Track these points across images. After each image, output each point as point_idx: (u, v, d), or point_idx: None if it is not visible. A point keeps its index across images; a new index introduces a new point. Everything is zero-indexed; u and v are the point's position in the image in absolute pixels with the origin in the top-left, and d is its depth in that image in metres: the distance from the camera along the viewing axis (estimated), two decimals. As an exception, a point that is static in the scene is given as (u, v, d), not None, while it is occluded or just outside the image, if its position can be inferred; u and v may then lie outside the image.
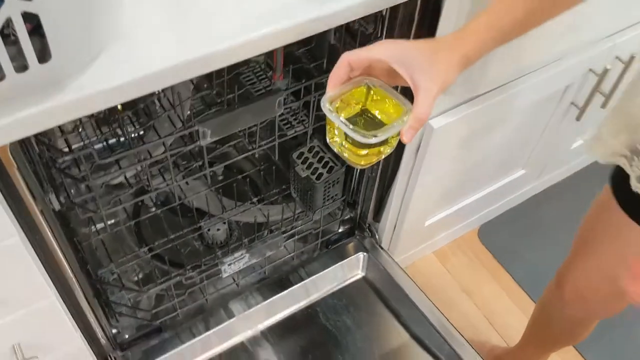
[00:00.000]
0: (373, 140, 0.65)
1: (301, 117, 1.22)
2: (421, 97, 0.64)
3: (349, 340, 1.27)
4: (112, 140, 1.23)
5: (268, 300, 1.31)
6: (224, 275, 1.17)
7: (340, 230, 1.44)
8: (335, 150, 0.71)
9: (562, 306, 1.11)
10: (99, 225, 1.24)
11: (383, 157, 0.71)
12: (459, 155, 1.32)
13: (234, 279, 1.30)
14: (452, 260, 1.69)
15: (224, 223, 1.37)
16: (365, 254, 1.39)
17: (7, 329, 0.88)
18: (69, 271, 0.93)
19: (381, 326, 1.31)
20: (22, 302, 0.85)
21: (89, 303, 1.04)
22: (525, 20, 0.68)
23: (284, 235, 1.24)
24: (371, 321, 1.31)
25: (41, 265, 0.84)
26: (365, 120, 0.70)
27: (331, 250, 1.41)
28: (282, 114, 1.20)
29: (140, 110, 1.06)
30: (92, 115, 1.07)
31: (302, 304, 1.34)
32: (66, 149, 0.90)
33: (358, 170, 1.32)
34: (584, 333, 1.17)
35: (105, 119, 1.06)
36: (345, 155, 0.70)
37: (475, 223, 1.73)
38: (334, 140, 0.70)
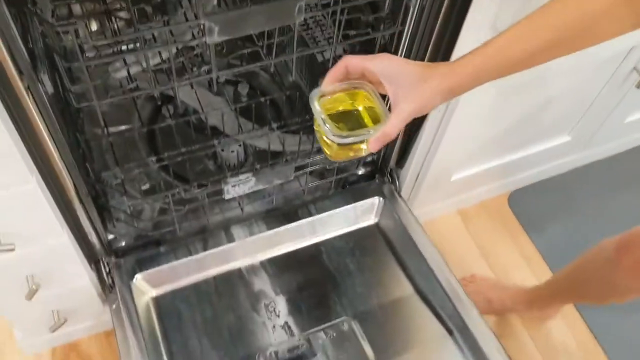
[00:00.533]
0: (336, 140, 0.70)
1: (328, 33, 1.12)
2: (394, 115, 0.68)
3: (348, 284, 1.22)
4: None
5: (272, 231, 1.25)
6: (227, 196, 1.11)
7: (359, 172, 1.37)
8: (317, 137, 0.75)
9: (614, 271, 1.03)
10: (111, 129, 1.19)
11: (353, 157, 0.76)
12: (493, 111, 1.21)
13: (239, 203, 1.25)
14: (475, 222, 1.60)
15: (240, 145, 1.30)
16: (381, 199, 1.31)
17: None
18: (58, 159, 0.88)
19: (385, 275, 1.24)
20: None
21: (81, 200, 1.00)
22: (540, 53, 0.68)
23: (297, 167, 1.17)
24: (376, 269, 1.25)
25: (21, 143, 0.79)
26: (352, 121, 0.72)
27: (347, 190, 1.34)
28: (308, 26, 1.11)
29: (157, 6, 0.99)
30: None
31: (307, 240, 1.28)
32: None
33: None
34: (624, 299, 1.09)
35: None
36: (322, 145, 0.75)
37: (506, 187, 1.62)
38: (316, 129, 0.74)
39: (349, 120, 0.72)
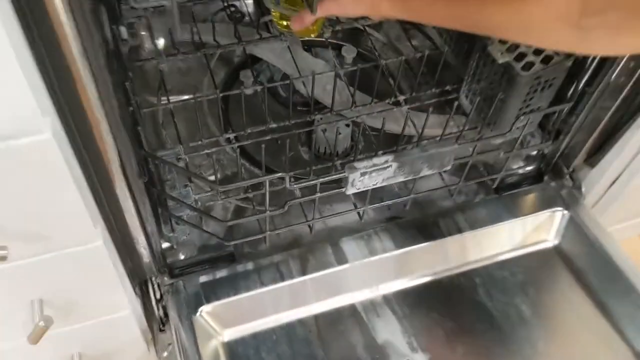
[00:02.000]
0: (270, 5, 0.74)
1: None
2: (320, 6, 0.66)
3: (521, 337, 0.78)
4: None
5: (402, 250, 0.83)
6: (350, 189, 0.70)
7: (521, 170, 0.94)
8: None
9: None
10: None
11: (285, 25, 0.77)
12: None
13: (355, 206, 0.84)
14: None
15: (348, 126, 0.90)
16: (563, 211, 0.88)
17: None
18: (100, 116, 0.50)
19: (580, 328, 0.80)
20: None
21: (128, 183, 0.61)
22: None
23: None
24: (564, 316, 0.81)
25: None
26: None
27: (505, 196, 0.91)
28: None
29: None
30: None
31: (454, 267, 0.86)
32: None
33: (589, 70, 0.81)
34: None
35: None
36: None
37: None
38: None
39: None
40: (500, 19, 0.57)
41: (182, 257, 0.80)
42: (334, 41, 1.07)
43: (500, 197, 0.91)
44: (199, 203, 0.80)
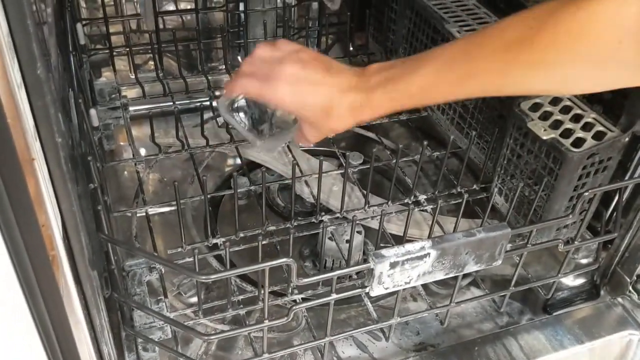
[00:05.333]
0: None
1: None
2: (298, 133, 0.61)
3: None
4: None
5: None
6: (375, 289, 0.52)
7: (570, 284, 0.77)
8: None
9: None
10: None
11: None
12: None
13: (383, 331, 0.65)
14: None
15: (360, 232, 0.74)
16: (638, 335, 0.69)
17: None
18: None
19: None
20: None
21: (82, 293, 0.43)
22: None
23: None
24: None
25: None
26: None
27: (556, 317, 0.73)
28: None
29: None
30: None
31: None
32: None
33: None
34: None
35: None
36: None
37: None
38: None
39: None
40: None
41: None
42: (339, 150, 0.96)
43: (551, 317, 0.73)
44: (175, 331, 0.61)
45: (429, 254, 0.52)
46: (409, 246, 0.52)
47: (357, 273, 0.72)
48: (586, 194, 0.59)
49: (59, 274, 0.41)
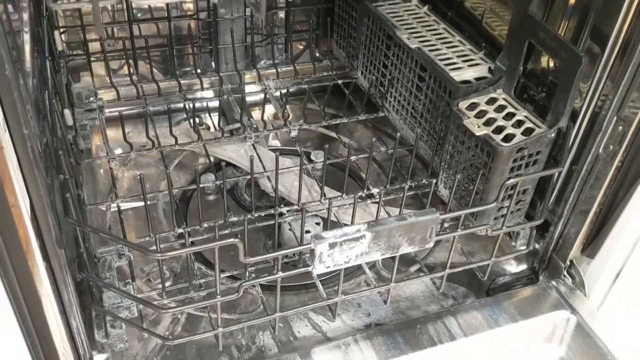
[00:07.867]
0: None
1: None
2: None
3: None
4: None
5: (385, 361, 0.69)
6: (317, 268, 0.58)
7: (513, 270, 0.84)
8: None
9: None
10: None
11: None
12: None
13: (330, 309, 0.71)
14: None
15: (317, 224, 0.81)
16: (569, 315, 0.76)
17: None
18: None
19: None
20: None
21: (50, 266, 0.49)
22: None
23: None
24: None
25: None
26: None
27: (495, 299, 0.80)
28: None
29: None
30: None
31: (448, 379, 0.71)
32: None
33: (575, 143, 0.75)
34: None
35: None
36: None
37: None
38: None
39: None
40: None
41: (115, 371, 0.65)
42: (300, 149, 1.02)
43: (495, 297, 0.80)
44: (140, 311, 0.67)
45: (364, 235, 0.58)
46: (346, 229, 0.58)
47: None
48: (508, 182, 0.66)
49: (28, 249, 0.47)
